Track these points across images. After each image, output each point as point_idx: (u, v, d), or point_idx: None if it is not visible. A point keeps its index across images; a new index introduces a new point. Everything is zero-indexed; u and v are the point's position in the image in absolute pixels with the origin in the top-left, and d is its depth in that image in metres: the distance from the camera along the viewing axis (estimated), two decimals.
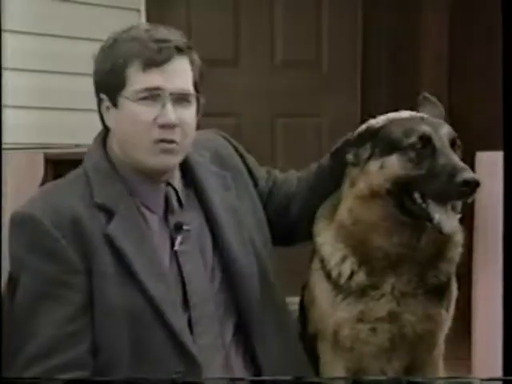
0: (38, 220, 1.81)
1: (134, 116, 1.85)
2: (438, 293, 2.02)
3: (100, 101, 1.92)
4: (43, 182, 2.76)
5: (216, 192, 2.01)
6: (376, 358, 2.05)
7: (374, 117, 2.07)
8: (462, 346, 2.44)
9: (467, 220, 2.09)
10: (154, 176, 1.92)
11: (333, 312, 2.01)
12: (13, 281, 1.84)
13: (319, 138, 4.46)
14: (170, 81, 1.85)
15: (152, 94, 1.85)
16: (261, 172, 2.19)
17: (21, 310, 1.81)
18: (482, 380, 1.74)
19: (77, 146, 3.34)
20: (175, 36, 1.89)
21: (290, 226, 2.16)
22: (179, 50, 1.87)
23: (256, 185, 2.15)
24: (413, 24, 4.51)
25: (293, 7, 4.38)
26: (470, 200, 1.87)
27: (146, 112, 1.85)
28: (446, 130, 1.92)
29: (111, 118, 1.91)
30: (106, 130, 1.96)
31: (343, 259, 2.01)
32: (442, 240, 1.98)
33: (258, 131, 4.38)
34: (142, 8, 3.82)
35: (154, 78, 1.84)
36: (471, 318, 2.40)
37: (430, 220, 1.89)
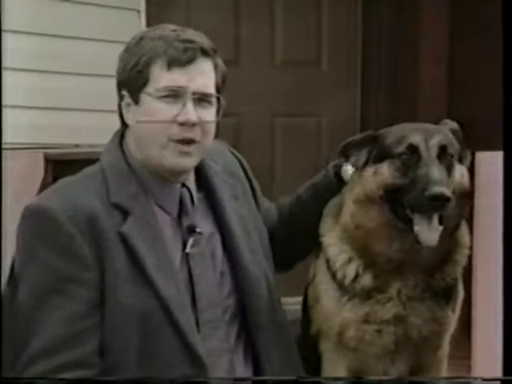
0: (53, 214, 1.80)
1: (154, 112, 1.86)
2: (445, 295, 2.02)
3: (121, 98, 1.92)
4: (43, 182, 2.77)
5: (227, 199, 2.02)
6: (380, 359, 2.05)
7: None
8: (462, 346, 2.43)
9: (467, 220, 2.09)
10: (170, 177, 1.92)
11: (338, 312, 2.01)
12: (17, 273, 1.83)
13: (319, 137, 4.47)
14: (193, 81, 1.86)
15: (174, 93, 1.86)
16: (261, 194, 2.21)
17: (28, 303, 1.79)
18: (483, 380, 1.74)
19: (77, 145, 3.35)
20: (201, 38, 1.91)
21: (278, 254, 2.16)
22: (204, 52, 1.88)
23: (257, 203, 2.16)
24: (413, 24, 4.51)
25: (293, 7, 4.39)
26: (445, 213, 1.87)
27: (167, 109, 1.86)
28: (437, 139, 1.92)
29: (131, 114, 1.91)
30: (123, 130, 1.97)
31: (349, 261, 2.01)
32: (448, 244, 1.98)
33: (258, 131, 4.38)
34: (142, 8, 3.82)
35: (177, 78, 1.86)
36: (471, 318, 2.40)
37: (412, 230, 1.89)
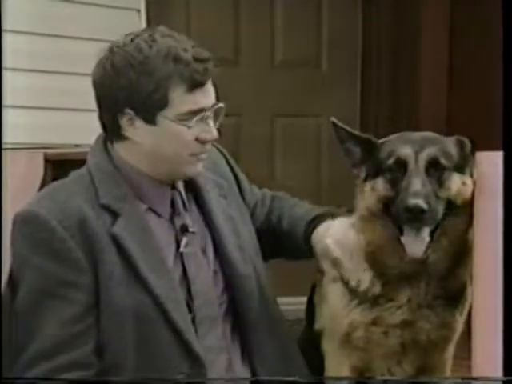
0: (44, 219, 1.81)
1: (176, 135, 1.87)
2: (455, 300, 2.03)
3: (119, 112, 1.87)
4: (43, 182, 2.76)
5: (214, 199, 2.03)
6: (386, 359, 2.06)
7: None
8: (462, 346, 2.43)
9: None
10: (172, 182, 1.95)
11: (347, 314, 2.02)
12: (14, 279, 1.84)
13: (319, 137, 4.47)
14: (210, 98, 1.89)
15: (196, 114, 1.86)
16: (246, 185, 2.21)
17: (25, 308, 1.81)
18: (483, 380, 1.74)
19: (77, 146, 3.34)
20: (206, 52, 1.89)
21: (273, 240, 2.17)
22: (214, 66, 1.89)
23: (243, 197, 2.17)
24: (413, 23, 4.51)
25: (293, 7, 4.39)
26: (424, 225, 1.87)
27: (189, 131, 1.86)
28: (427, 152, 1.92)
29: (140, 132, 1.87)
30: (109, 137, 1.95)
31: (362, 271, 2.01)
32: (460, 249, 1.98)
33: (257, 131, 4.38)
34: (142, 8, 3.82)
35: (199, 99, 1.86)
36: (471, 318, 2.39)
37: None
